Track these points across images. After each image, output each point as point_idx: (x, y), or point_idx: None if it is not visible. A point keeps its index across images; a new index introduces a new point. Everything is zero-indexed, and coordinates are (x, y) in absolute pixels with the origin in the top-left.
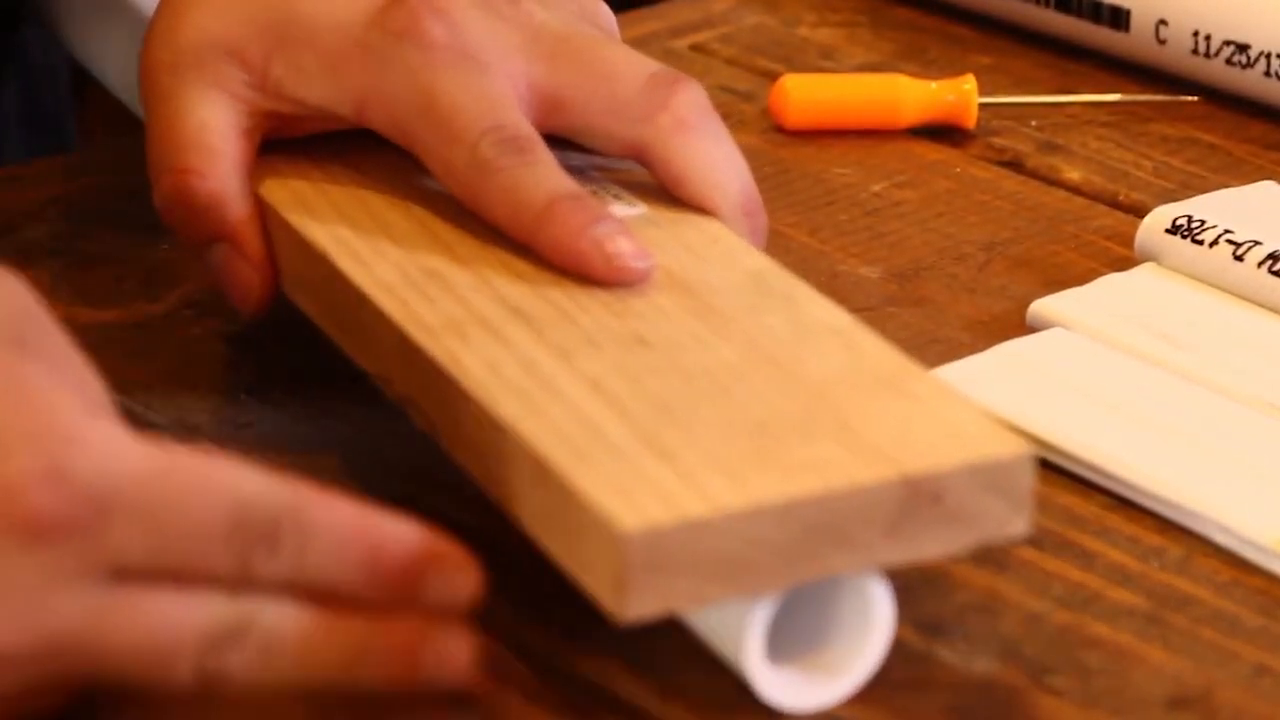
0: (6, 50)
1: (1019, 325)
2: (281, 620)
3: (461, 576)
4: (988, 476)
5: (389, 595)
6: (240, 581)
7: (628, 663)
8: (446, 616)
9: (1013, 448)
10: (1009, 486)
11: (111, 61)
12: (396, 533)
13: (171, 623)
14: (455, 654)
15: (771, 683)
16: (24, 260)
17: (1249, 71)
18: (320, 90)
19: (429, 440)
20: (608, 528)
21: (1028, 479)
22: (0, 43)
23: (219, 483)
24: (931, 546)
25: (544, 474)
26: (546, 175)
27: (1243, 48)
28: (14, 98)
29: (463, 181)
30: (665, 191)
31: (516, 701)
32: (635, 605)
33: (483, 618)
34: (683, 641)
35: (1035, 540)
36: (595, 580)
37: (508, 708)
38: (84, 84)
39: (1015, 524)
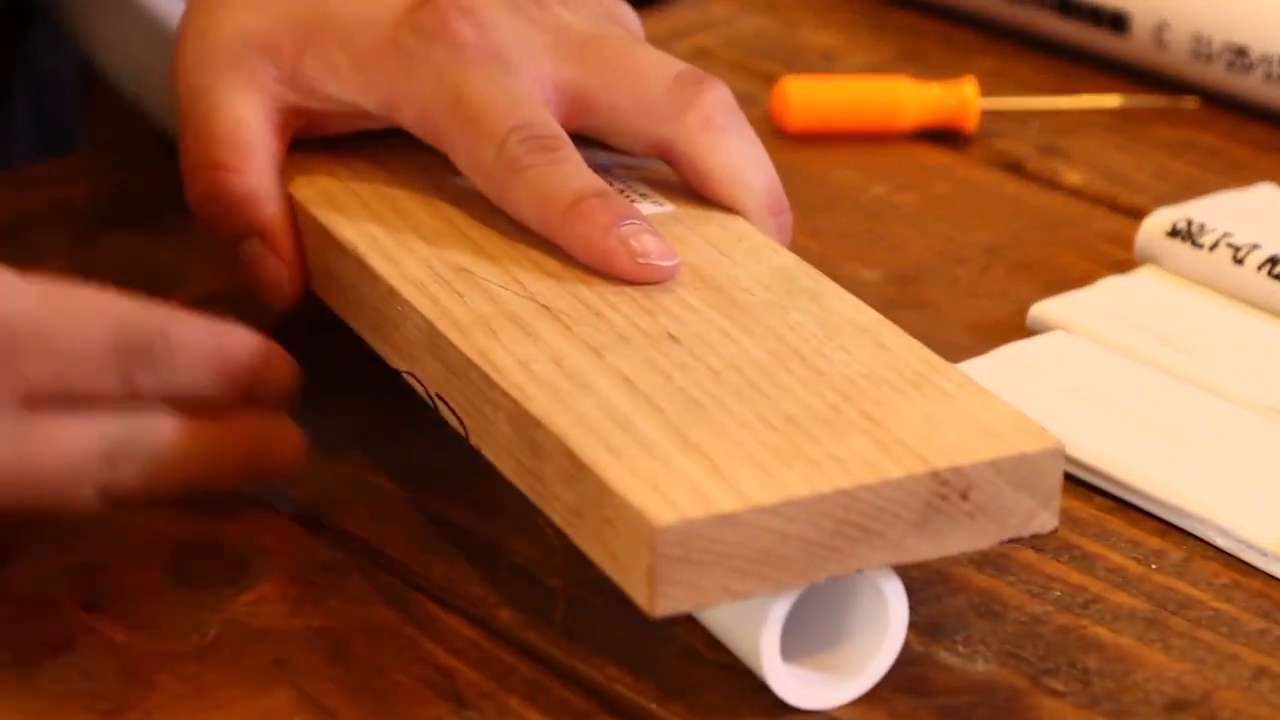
0: (16, 56)
1: (1019, 328)
2: (162, 430)
3: (283, 368)
4: (1016, 471)
5: (237, 392)
6: (127, 398)
7: (627, 663)
8: (279, 411)
9: (1040, 443)
10: (1037, 481)
11: (122, 60)
12: (238, 338)
13: (78, 443)
14: (288, 439)
15: (786, 680)
16: (30, 263)
17: (1249, 75)
18: (351, 88)
19: (432, 441)
20: (640, 521)
21: (1055, 474)
22: (9, 48)
23: (102, 308)
24: (960, 541)
25: (577, 469)
26: (574, 173)
27: (1243, 51)
28: (24, 105)
29: (490, 178)
30: (691, 190)
31: (515, 702)
32: (667, 599)
33: (483, 618)
34: (682, 641)
35: (1035, 543)
36: (627, 574)
37: (506, 708)
38: (90, 88)
39: (1043, 519)
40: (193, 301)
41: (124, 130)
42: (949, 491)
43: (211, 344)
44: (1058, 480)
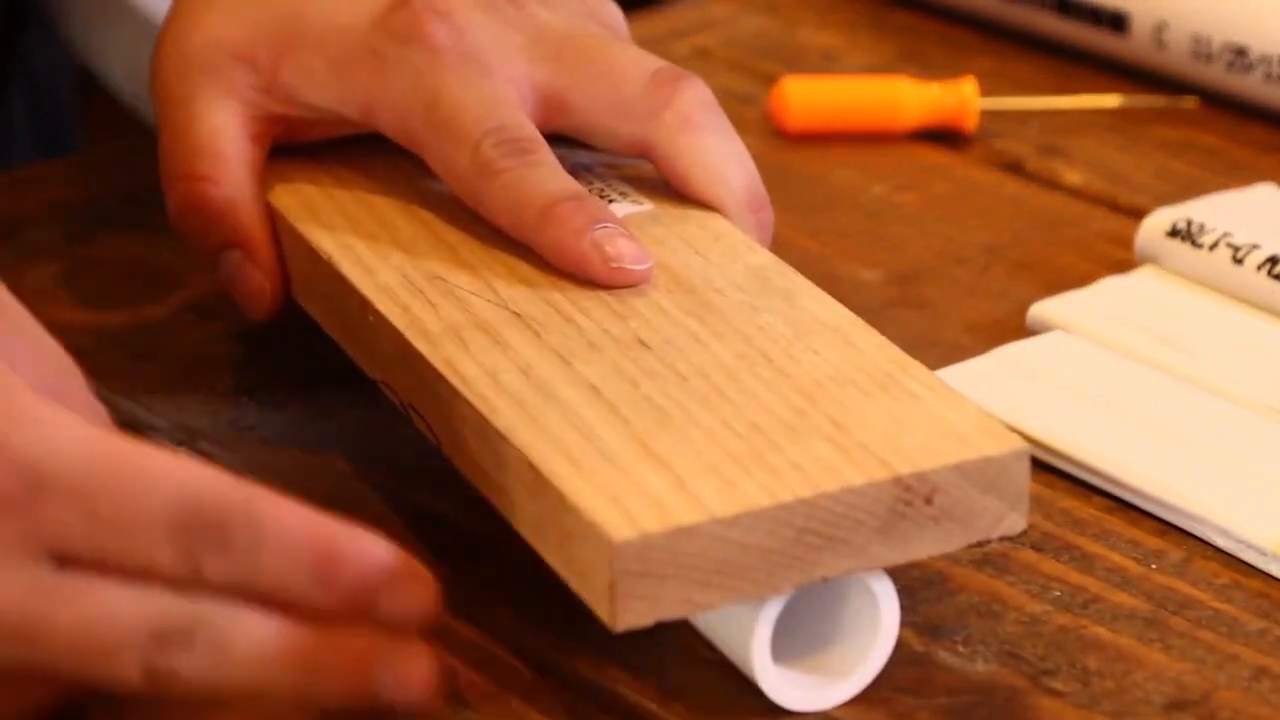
0: (13, 59)
1: (1019, 328)
2: (232, 625)
3: (419, 592)
4: (980, 474)
5: (343, 606)
6: (188, 580)
7: (627, 663)
8: (406, 633)
9: (1006, 445)
10: (1003, 484)
11: (117, 63)
12: (353, 542)
13: (114, 615)
14: (413, 674)
15: (778, 683)
16: (27, 263)
17: (1249, 75)
18: (328, 94)
19: (427, 441)
20: (599, 535)
21: (1022, 476)
22: (7, 49)
23: (166, 474)
24: (926, 546)
25: (538, 481)
26: (548, 176)
27: (1242, 51)
28: (21, 107)
29: (465, 183)
30: (669, 188)
31: (515, 703)
32: (629, 613)
33: (481, 618)
34: (682, 642)
35: (1035, 542)
36: (589, 588)
37: (507, 708)
38: (88, 89)
39: (1011, 521)
40: (190, 303)
41: (122, 131)
42: (913, 496)
43: (312, 540)
44: (1025, 482)
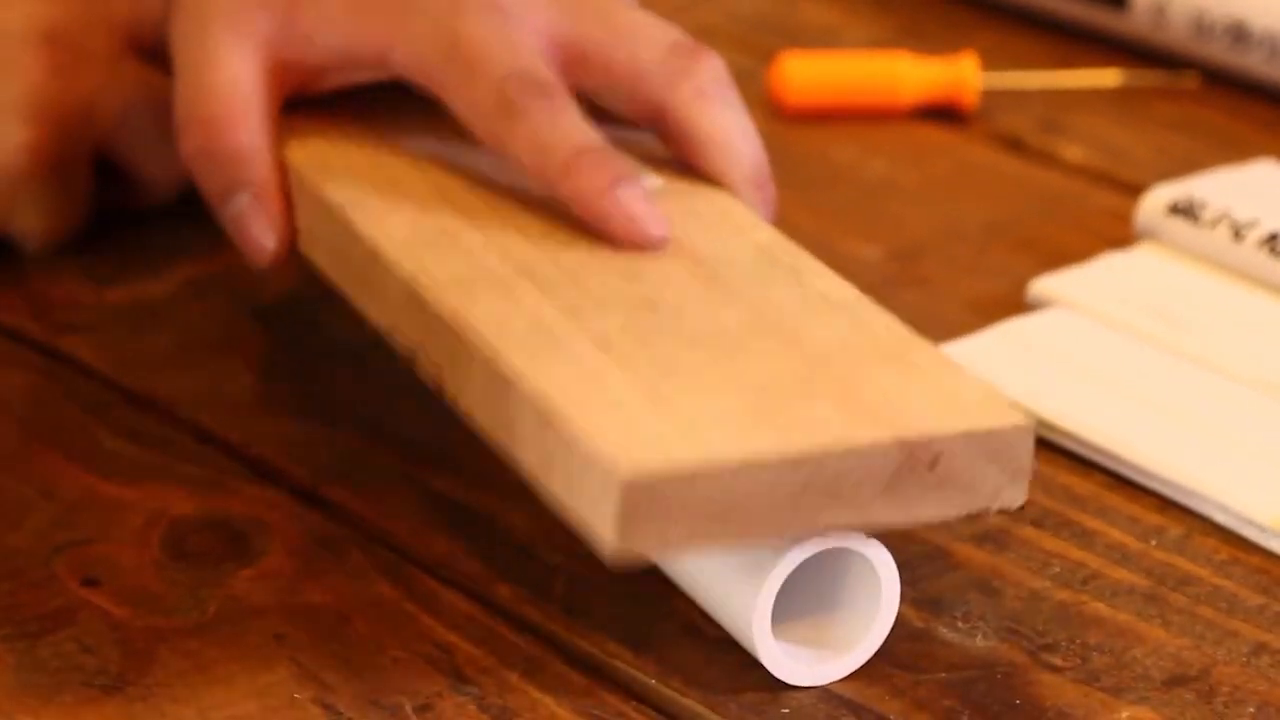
0: None
1: (1019, 305)
2: None
3: None
4: (985, 445)
5: None
6: None
7: (626, 639)
8: None
9: (1011, 418)
10: (1007, 456)
11: None
12: None
13: None
14: None
15: (778, 656)
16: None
17: (1250, 52)
18: (345, 36)
19: (432, 417)
20: (606, 472)
21: (1026, 450)
22: None
23: None
24: (927, 510)
25: (547, 420)
26: (572, 124)
27: (1243, 28)
28: None
29: (487, 123)
30: (676, 164)
31: (515, 677)
32: (633, 540)
33: (482, 594)
34: (682, 618)
35: (1035, 519)
36: (593, 524)
37: (506, 683)
38: None
39: (1012, 494)
40: (190, 279)
41: None
42: (916, 462)
43: None
44: (1028, 457)
